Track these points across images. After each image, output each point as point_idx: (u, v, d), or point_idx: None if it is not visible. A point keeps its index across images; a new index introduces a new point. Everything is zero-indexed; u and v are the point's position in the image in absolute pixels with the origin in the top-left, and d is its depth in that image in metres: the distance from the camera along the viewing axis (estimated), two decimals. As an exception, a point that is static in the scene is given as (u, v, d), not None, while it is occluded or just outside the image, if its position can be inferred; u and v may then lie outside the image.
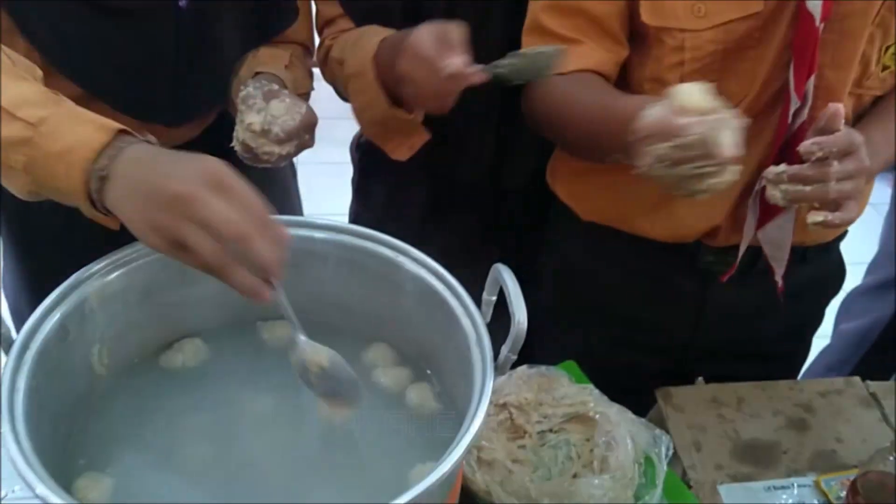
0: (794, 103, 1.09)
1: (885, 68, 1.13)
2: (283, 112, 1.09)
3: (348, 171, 1.61)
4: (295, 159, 1.45)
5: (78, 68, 1.08)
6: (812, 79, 1.08)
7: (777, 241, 1.20)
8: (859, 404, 1.31)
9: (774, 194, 1.02)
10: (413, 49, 1.00)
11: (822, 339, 1.69)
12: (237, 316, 1.00)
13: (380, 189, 1.53)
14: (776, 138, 1.13)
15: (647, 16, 1.09)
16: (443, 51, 0.97)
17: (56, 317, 0.83)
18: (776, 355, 1.42)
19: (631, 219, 1.27)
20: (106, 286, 0.88)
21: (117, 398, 0.91)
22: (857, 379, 1.35)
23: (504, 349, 0.82)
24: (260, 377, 0.96)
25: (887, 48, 1.12)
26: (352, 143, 1.57)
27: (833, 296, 1.44)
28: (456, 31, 0.99)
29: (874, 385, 1.34)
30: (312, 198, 1.52)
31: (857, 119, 1.21)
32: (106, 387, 0.91)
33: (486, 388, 0.79)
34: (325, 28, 1.31)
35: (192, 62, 1.13)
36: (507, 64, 1.00)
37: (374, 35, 1.16)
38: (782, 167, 1.00)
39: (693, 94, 0.87)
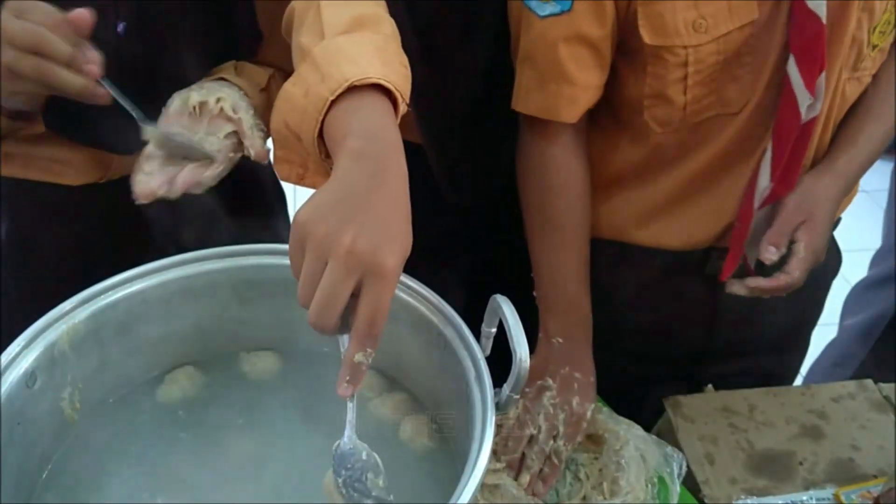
0: (807, 100, 1.06)
1: (874, 47, 1.12)
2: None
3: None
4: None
5: None
6: (823, 75, 1.05)
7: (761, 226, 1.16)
8: (873, 408, 1.25)
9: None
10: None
11: (825, 327, 1.63)
12: (217, 349, 0.94)
13: None
14: (788, 132, 1.10)
15: (648, 36, 1.06)
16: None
17: (23, 365, 0.77)
18: (780, 351, 1.38)
19: (636, 230, 1.23)
20: (77, 327, 0.82)
21: (88, 444, 0.85)
22: (869, 382, 1.30)
23: (506, 388, 0.76)
24: (243, 413, 0.90)
25: (874, 28, 1.10)
26: None
27: (831, 280, 1.39)
28: None
29: (887, 388, 1.29)
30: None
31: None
32: (77, 432, 0.85)
33: (486, 431, 0.73)
34: None
35: (137, 88, 1.03)
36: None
37: None
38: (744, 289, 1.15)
39: None
